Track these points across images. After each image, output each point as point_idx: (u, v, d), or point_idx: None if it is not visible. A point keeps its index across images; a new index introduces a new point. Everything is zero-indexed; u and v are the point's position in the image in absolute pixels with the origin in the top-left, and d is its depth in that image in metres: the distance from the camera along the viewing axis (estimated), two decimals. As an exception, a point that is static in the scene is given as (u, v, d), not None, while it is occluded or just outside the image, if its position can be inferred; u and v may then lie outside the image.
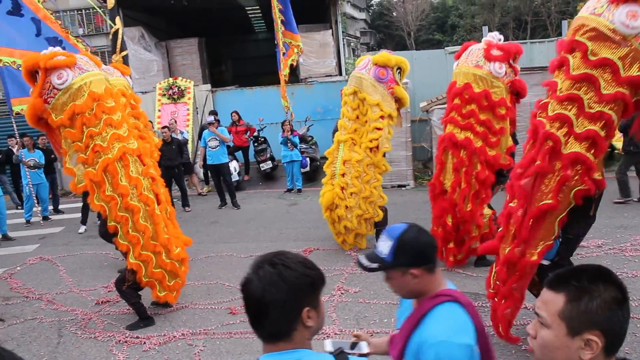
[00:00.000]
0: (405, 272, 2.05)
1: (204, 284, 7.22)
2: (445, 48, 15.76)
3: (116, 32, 9.39)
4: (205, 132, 11.95)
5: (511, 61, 6.41)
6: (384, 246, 2.07)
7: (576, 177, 4.05)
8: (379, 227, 7.89)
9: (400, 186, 12.31)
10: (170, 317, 6.29)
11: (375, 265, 2.08)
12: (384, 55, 7.72)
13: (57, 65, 5.49)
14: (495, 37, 6.56)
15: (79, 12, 19.65)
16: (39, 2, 10.10)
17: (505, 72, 6.38)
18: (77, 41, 8.97)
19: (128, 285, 6.03)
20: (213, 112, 13.86)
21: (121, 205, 5.75)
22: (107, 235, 6.21)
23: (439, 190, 6.97)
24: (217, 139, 11.69)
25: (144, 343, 5.63)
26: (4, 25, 9.78)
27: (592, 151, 4.02)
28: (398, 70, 7.69)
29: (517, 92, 6.57)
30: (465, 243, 6.88)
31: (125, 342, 5.69)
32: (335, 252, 7.99)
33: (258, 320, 1.66)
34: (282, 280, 1.61)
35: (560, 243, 4.66)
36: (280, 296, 1.60)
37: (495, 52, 6.35)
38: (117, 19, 9.31)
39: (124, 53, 9.23)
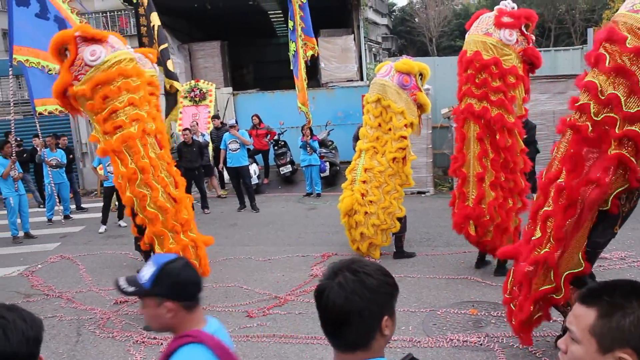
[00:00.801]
0: (160, 304, 1.98)
1: (222, 286, 7.22)
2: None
3: (153, 27, 9.74)
4: (226, 134, 11.99)
5: (523, 28, 6.26)
6: (146, 272, 2.00)
7: (619, 179, 3.96)
8: (399, 234, 7.84)
9: (420, 193, 12.23)
10: (187, 318, 6.29)
11: (132, 289, 2.00)
12: (407, 62, 7.67)
13: (93, 35, 5.53)
14: (508, 5, 6.41)
15: (104, 14, 19.90)
16: (62, 2, 10.29)
17: (517, 40, 6.24)
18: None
19: None
20: (215, 116, 13.96)
21: (140, 182, 5.75)
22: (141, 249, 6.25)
23: (460, 164, 6.82)
24: (237, 142, 11.72)
25: (161, 344, 5.62)
26: (31, 27, 9.97)
27: (634, 153, 3.91)
28: (420, 76, 7.64)
29: (530, 62, 6.42)
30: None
31: (143, 342, 5.72)
32: (354, 257, 7.94)
33: (337, 330, 1.60)
34: (365, 289, 1.56)
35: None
36: (364, 305, 1.55)
37: (506, 19, 6.21)
38: (155, 15, 9.63)
39: (163, 46, 9.49)
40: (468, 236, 6.91)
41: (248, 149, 12.33)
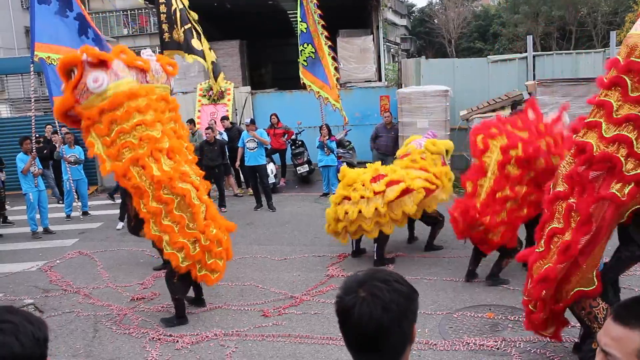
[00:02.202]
0: None
1: (238, 285, 7.24)
2: (488, 57, 15.56)
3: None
4: (244, 133, 12.02)
5: None
6: None
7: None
8: (381, 241, 7.72)
9: (437, 194, 12.13)
10: (203, 316, 6.33)
11: None
12: (435, 143, 8.11)
13: (99, 57, 5.58)
14: None
15: (124, 12, 20.09)
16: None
17: None
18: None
19: (178, 278, 6.02)
20: (224, 118, 14.00)
21: (153, 197, 5.73)
22: (136, 229, 6.27)
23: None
24: (255, 141, 11.74)
25: (177, 341, 5.66)
26: (53, 24, 10.08)
27: None
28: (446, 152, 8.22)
29: None
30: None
31: (159, 339, 5.75)
32: (370, 258, 7.92)
33: (374, 344, 1.49)
34: (401, 297, 1.50)
35: (612, 258, 4.56)
36: (401, 314, 1.49)
37: None
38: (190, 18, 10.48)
39: (210, 54, 10.25)
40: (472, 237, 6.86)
41: (265, 148, 12.34)
